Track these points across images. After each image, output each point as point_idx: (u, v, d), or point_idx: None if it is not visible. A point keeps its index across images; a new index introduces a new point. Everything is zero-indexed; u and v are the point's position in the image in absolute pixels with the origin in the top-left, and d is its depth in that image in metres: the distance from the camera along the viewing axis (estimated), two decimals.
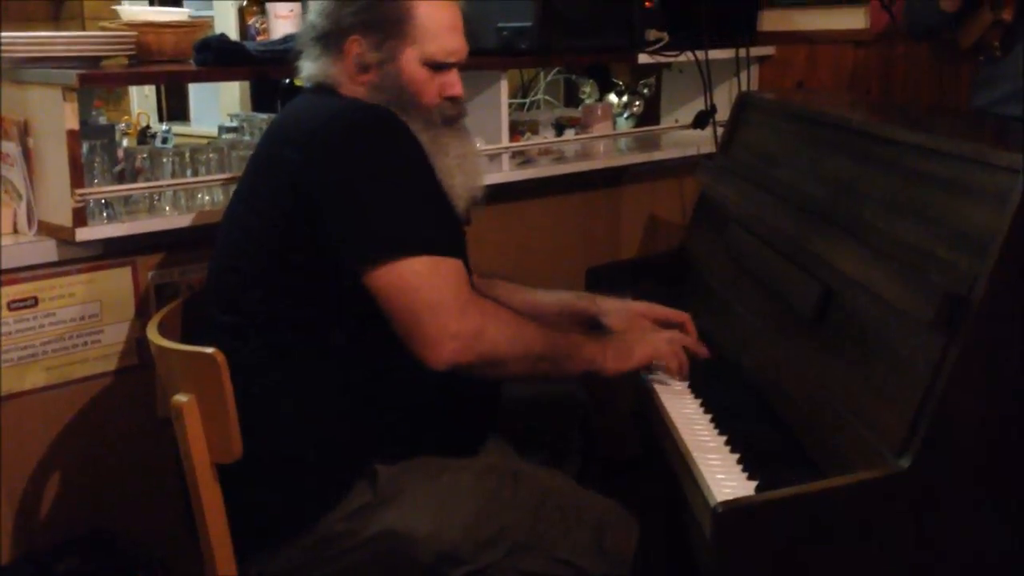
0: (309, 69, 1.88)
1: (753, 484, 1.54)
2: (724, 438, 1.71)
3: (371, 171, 1.70)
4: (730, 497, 1.44)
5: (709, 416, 1.81)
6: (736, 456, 1.64)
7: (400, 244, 1.66)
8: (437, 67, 1.85)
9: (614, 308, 2.14)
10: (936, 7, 2.55)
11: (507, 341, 1.70)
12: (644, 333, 1.97)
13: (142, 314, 2.16)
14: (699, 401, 1.87)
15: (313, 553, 1.70)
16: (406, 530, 1.70)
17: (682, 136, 3.33)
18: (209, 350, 1.60)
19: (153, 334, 1.75)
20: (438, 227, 1.73)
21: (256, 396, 1.69)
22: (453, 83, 1.87)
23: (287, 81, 3.16)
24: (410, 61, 1.83)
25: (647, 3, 3.00)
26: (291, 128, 1.80)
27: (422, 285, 1.65)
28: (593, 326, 2.12)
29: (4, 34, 2.02)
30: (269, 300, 1.75)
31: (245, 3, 2.86)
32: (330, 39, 1.84)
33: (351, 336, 1.73)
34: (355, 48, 1.82)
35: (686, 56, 3.07)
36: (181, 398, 1.61)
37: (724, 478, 1.57)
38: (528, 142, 3.02)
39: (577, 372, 1.84)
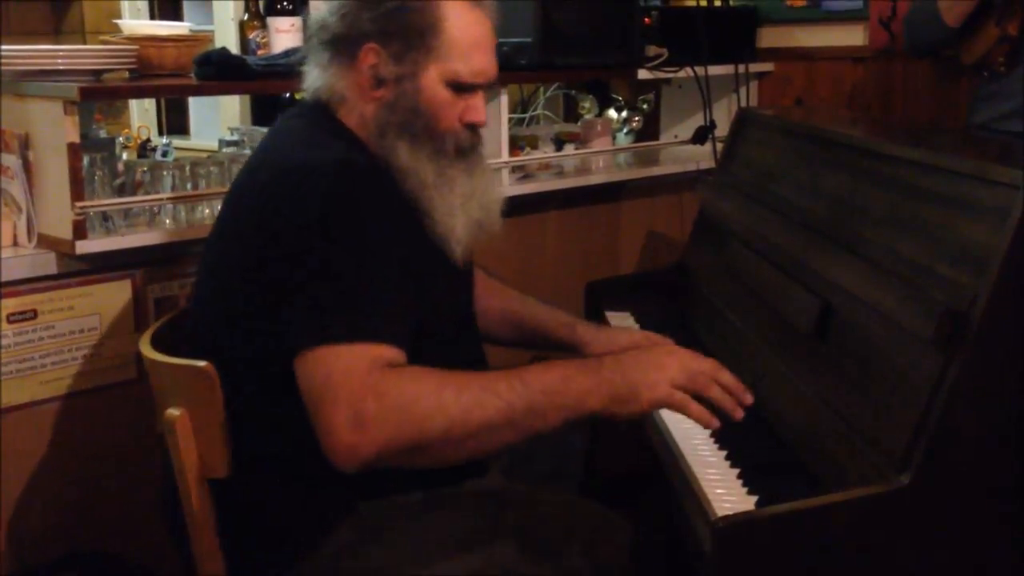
0: (314, 79, 1.71)
1: (753, 499, 1.54)
2: (724, 453, 1.71)
3: (315, 246, 1.52)
4: (730, 512, 1.44)
5: (708, 431, 1.80)
6: (736, 471, 1.64)
7: (319, 333, 1.47)
8: (461, 89, 1.67)
9: (594, 339, 1.98)
10: (939, 23, 2.56)
11: (417, 420, 1.44)
12: (661, 365, 1.61)
13: (141, 327, 2.16)
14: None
15: None
16: (394, 571, 1.62)
17: (681, 152, 3.34)
18: (201, 363, 1.59)
19: (146, 348, 1.74)
20: (368, 307, 1.50)
21: (235, 436, 1.62)
22: (477, 108, 1.69)
23: (288, 95, 3.17)
24: (432, 79, 1.64)
25: (647, 19, 3.02)
26: (265, 173, 1.63)
27: (316, 376, 1.45)
28: (570, 354, 1.99)
29: (5, 47, 2.03)
30: (242, 343, 1.62)
31: (246, 17, 2.87)
32: (343, 44, 1.65)
33: None
34: (371, 57, 1.64)
35: (685, 72, 3.08)
36: (174, 412, 1.60)
37: (723, 493, 1.57)
38: (527, 157, 3.03)
39: (563, 421, 1.53)
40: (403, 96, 1.65)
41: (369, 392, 1.43)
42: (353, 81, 1.67)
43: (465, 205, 1.70)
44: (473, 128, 1.72)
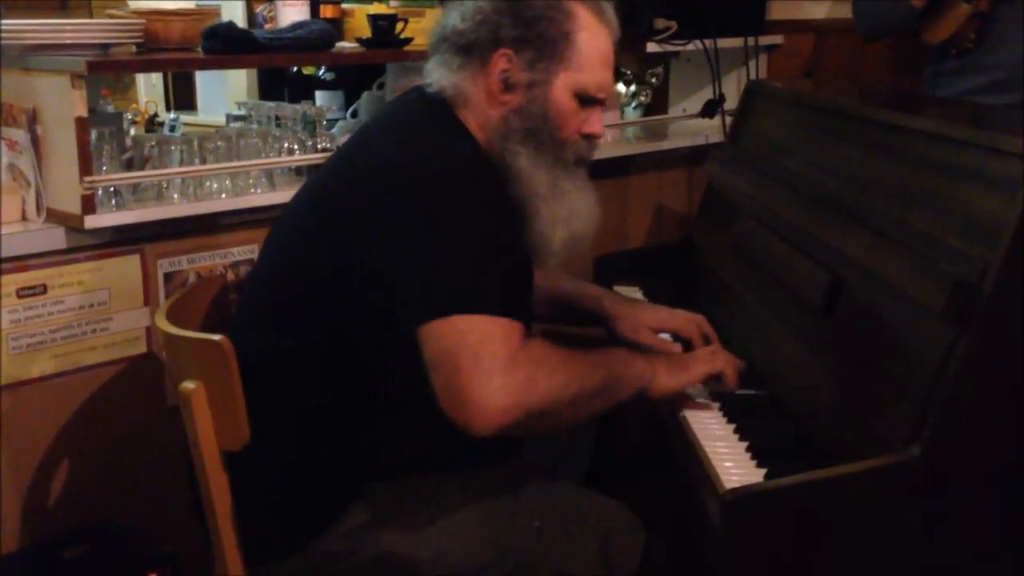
0: (440, 78, 1.73)
1: (762, 472, 1.54)
2: (733, 426, 1.71)
3: (436, 226, 1.56)
4: (739, 484, 1.44)
5: (718, 404, 1.80)
6: (745, 444, 1.64)
7: (450, 302, 1.51)
8: (585, 101, 1.72)
9: (622, 314, 2.06)
10: (903, 5, 2.54)
11: (560, 387, 1.53)
12: (695, 354, 1.83)
13: (150, 302, 2.16)
14: (707, 390, 1.87)
15: (313, 570, 1.66)
16: (407, 553, 1.64)
17: (690, 125, 3.33)
18: (216, 337, 1.60)
19: (161, 321, 1.75)
20: (495, 286, 1.56)
21: (256, 413, 1.63)
22: (596, 121, 1.75)
23: (295, 69, 3.16)
24: (561, 88, 1.69)
25: None
26: (373, 157, 1.67)
27: (466, 343, 1.48)
28: (596, 325, 2.08)
29: (12, 22, 2.02)
30: (293, 327, 1.67)
31: None
32: (476, 49, 1.69)
33: (364, 363, 1.66)
34: (503, 63, 1.68)
35: (694, 45, 3.06)
36: (189, 385, 1.62)
37: (732, 466, 1.57)
38: None
39: (629, 396, 1.66)
40: (533, 102, 1.70)
41: (518, 360, 1.49)
42: (482, 85, 1.71)
43: (568, 220, 1.75)
44: (591, 139, 1.77)
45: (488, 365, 1.47)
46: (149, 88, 3.58)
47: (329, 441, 1.67)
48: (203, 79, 3.53)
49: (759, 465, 1.57)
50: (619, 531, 1.76)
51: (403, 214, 1.57)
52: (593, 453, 2.14)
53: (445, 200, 1.58)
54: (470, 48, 1.70)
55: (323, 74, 3.01)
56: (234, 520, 1.66)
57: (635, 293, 2.40)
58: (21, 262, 2.01)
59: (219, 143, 2.30)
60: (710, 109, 3.11)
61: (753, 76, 3.23)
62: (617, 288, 2.42)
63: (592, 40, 1.70)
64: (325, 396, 1.67)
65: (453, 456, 1.71)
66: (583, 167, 1.79)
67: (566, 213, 1.74)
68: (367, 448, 1.69)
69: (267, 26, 2.65)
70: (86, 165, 1.98)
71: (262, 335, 1.70)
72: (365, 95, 2.81)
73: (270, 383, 1.67)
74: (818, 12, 3.37)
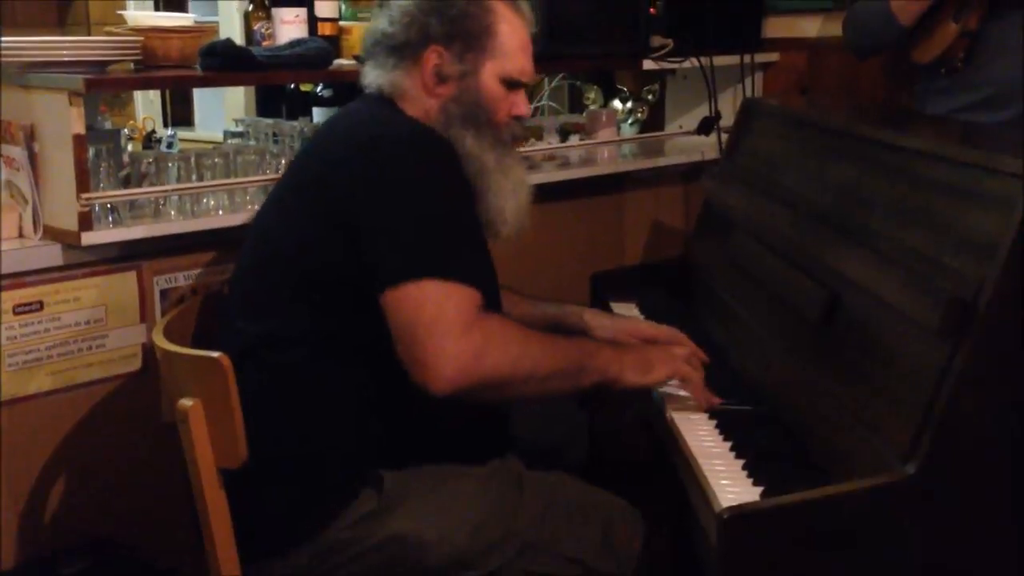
0: (376, 78, 1.87)
1: (759, 490, 1.54)
2: (729, 444, 1.71)
3: (409, 194, 1.69)
4: (735, 503, 1.44)
5: (714, 422, 1.80)
6: (741, 462, 1.64)
7: (416, 266, 1.63)
8: (511, 85, 1.87)
9: (601, 324, 2.12)
10: (892, 23, 2.54)
11: (511, 361, 1.64)
12: (664, 349, 1.88)
13: (147, 319, 2.16)
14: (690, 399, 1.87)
15: (319, 560, 1.70)
16: (414, 535, 1.70)
17: (686, 142, 3.33)
18: (215, 354, 1.60)
19: (159, 338, 1.75)
20: (461, 254, 1.70)
21: (264, 403, 1.69)
22: (522, 103, 1.90)
23: (292, 86, 3.17)
24: (489, 75, 1.84)
25: (652, 9, 3.01)
26: (338, 143, 1.81)
27: (426, 306, 1.61)
28: None
29: (11, 39, 2.03)
30: (291, 311, 1.74)
31: (251, 8, 2.87)
32: (408, 48, 1.84)
33: (362, 347, 1.72)
34: (435, 58, 1.82)
35: (691, 62, 3.07)
36: (187, 402, 1.61)
37: (729, 484, 1.57)
38: (532, 148, 3.02)
39: (592, 383, 1.76)
40: (466, 90, 1.84)
41: (474, 326, 1.61)
42: (417, 79, 1.85)
43: (516, 191, 1.89)
44: (519, 121, 1.92)
45: (443, 330, 1.59)
46: (147, 105, 3.60)
47: (334, 430, 1.73)
48: (201, 96, 3.54)
49: (756, 483, 1.56)
50: (620, 519, 1.83)
51: (373, 182, 1.69)
52: (589, 452, 2.16)
53: (421, 168, 1.72)
54: (402, 48, 1.84)
55: (320, 91, 3.02)
56: (233, 534, 1.66)
57: (631, 309, 2.41)
58: (18, 279, 2.01)
59: (216, 160, 2.31)
60: (706, 126, 3.12)
61: (749, 93, 3.23)
62: (613, 305, 2.43)
63: (511, 31, 1.86)
64: (329, 384, 1.73)
65: (461, 450, 1.79)
66: (518, 143, 1.97)
67: (513, 185, 1.88)
68: (374, 436, 1.74)
69: (265, 43, 2.66)
70: (83, 182, 1.99)
71: (260, 322, 1.76)
72: None
73: (272, 370, 1.73)
74: (813, 30, 3.38)
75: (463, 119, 1.83)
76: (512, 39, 1.86)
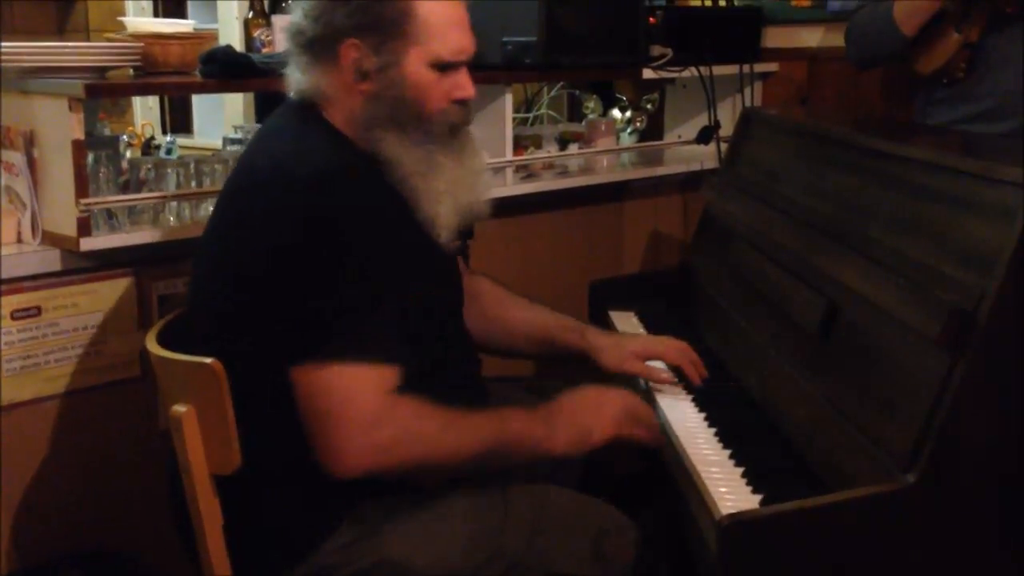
0: (297, 81, 1.73)
1: (758, 498, 1.54)
2: (728, 452, 1.71)
3: (313, 263, 1.57)
4: (734, 511, 1.44)
5: (713, 430, 1.80)
6: (740, 470, 1.64)
7: (322, 346, 1.54)
8: (445, 68, 1.69)
9: (606, 345, 2.03)
10: (895, 33, 2.54)
11: (424, 452, 1.58)
12: (602, 408, 1.76)
13: (145, 325, 2.15)
14: (703, 415, 1.87)
15: None
16: (403, 559, 1.63)
17: (685, 152, 3.34)
18: (208, 360, 1.59)
19: (152, 344, 1.74)
20: (375, 325, 1.57)
21: (242, 436, 1.61)
22: (463, 84, 1.72)
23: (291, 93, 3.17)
24: (415, 63, 1.67)
25: (651, 19, 3.01)
26: (245, 192, 1.68)
27: (332, 395, 1.53)
28: (580, 361, 2.05)
29: (11, 44, 2.03)
30: (243, 346, 1.63)
31: (250, 15, 2.87)
32: (321, 45, 1.68)
33: None
34: (352, 53, 1.66)
35: (690, 72, 3.08)
36: (180, 408, 1.60)
37: (727, 492, 1.56)
38: (531, 156, 3.02)
39: (523, 459, 1.70)
40: (389, 85, 1.67)
41: (383, 419, 1.54)
42: (337, 78, 1.69)
43: (452, 190, 1.72)
44: (463, 104, 1.75)
45: (349, 422, 1.53)
46: (146, 111, 3.60)
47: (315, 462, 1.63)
48: (200, 103, 3.54)
49: (755, 491, 1.56)
50: (611, 530, 1.77)
51: (276, 251, 1.58)
52: (586, 464, 2.13)
53: (314, 233, 1.57)
54: (315, 44, 1.69)
55: None
56: (226, 543, 1.64)
57: (630, 318, 2.40)
58: (16, 284, 2.01)
59: (215, 166, 2.31)
60: (705, 135, 3.13)
61: (748, 103, 3.24)
62: (612, 314, 2.42)
63: (434, 8, 1.68)
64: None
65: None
66: (460, 134, 1.76)
67: (446, 184, 1.71)
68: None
69: (264, 50, 2.66)
70: (82, 188, 1.99)
71: (210, 344, 1.66)
72: None
73: (252, 403, 1.63)
74: (813, 40, 3.39)
75: (386, 118, 1.68)
76: (437, 18, 1.67)
